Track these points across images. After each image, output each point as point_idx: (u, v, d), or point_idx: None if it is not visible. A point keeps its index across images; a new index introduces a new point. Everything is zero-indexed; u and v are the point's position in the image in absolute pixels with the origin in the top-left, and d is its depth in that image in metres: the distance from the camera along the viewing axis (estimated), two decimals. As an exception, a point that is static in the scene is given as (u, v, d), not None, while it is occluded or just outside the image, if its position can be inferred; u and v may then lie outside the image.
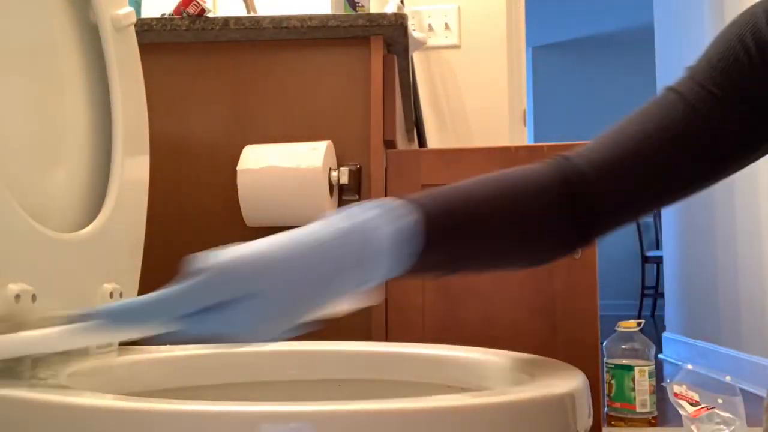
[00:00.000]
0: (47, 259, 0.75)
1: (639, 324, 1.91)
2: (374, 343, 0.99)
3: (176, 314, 0.54)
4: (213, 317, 0.53)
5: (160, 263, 1.31)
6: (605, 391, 1.88)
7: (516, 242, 0.67)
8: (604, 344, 1.87)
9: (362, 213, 0.57)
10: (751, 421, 1.42)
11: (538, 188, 0.67)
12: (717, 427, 1.43)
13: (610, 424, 1.87)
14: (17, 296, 0.68)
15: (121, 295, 0.88)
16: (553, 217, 0.67)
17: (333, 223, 0.56)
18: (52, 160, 0.82)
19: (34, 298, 0.70)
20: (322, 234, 0.55)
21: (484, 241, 0.66)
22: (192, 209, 1.31)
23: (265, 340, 0.54)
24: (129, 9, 0.96)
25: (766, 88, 0.66)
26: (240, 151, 1.26)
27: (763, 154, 0.70)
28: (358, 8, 1.58)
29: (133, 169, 0.95)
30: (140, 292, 1.29)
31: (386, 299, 1.27)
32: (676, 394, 1.51)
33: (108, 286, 0.86)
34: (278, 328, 0.55)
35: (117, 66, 0.92)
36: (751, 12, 0.68)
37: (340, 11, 1.58)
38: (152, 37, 1.32)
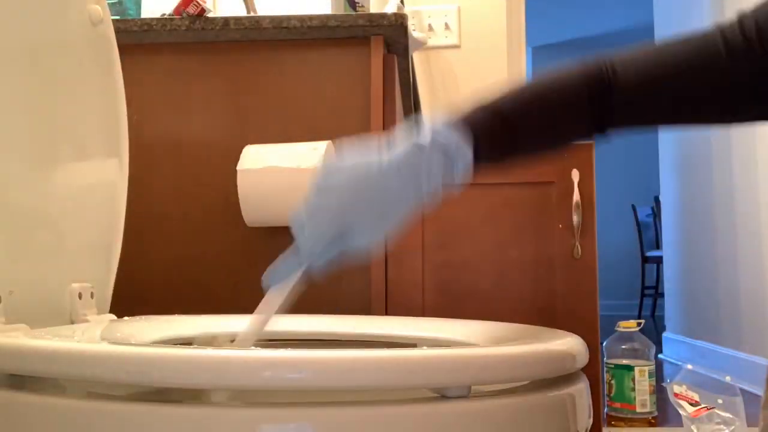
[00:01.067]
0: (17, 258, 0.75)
1: (639, 324, 1.90)
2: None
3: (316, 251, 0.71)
4: (337, 243, 0.69)
5: (161, 262, 1.31)
6: (605, 391, 1.88)
7: (549, 141, 0.77)
8: (604, 344, 1.87)
9: (420, 143, 0.68)
10: (751, 421, 1.42)
11: (570, 93, 0.74)
12: (717, 427, 1.43)
13: (610, 424, 1.87)
14: None
15: (92, 295, 0.88)
16: (581, 117, 0.75)
17: (397, 158, 0.68)
18: (44, 158, 0.82)
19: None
20: (388, 172, 0.68)
21: (522, 148, 0.76)
22: (192, 209, 1.31)
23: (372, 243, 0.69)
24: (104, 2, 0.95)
25: None
26: (240, 151, 1.26)
27: None
28: (358, 8, 1.58)
29: (103, 170, 0.94)
30: (138, 292, 1.29)
31: (386, 299, 1.27)
32: (676, 394, 1.51)
33: (76, 286, 0.86)
34: (378, 235, 0.69)
35: (93, 63, 0.92)
36: None
37: (340, 11, 1.58)
38: (152, 37, 1.32)
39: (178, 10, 1.32)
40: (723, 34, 0.72)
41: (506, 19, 2.35)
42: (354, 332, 0.90)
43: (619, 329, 1.90)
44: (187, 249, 1.31)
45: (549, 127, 0.75)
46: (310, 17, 1.28)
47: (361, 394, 0.51)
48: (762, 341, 2.71)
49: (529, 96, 0.76)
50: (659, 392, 1.88)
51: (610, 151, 6.65)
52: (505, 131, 0.74)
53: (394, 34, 1.30)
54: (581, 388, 0.62)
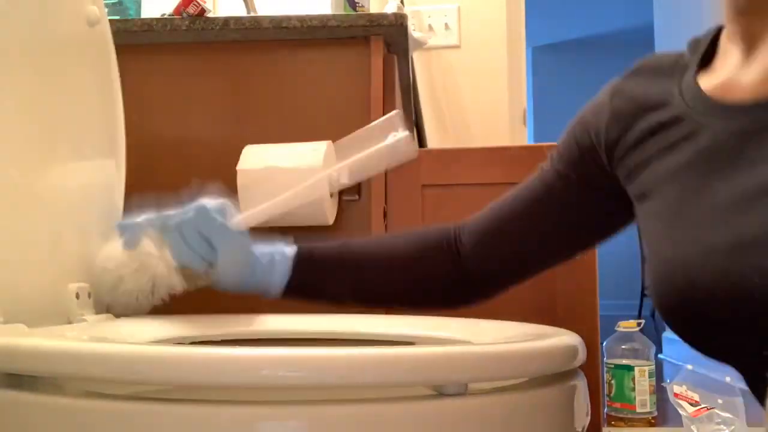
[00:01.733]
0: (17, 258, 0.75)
1: (639, 324, 1.90)
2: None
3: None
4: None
5: (160, 263, 1.31)
6: (605, 391, 1.88)
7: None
8: (604, 344, 1.87)
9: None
10: (751, 421, 1.42)
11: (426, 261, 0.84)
12: (717, 427, 1.43)
13: (610, 424, 1.87)
14: None
15: (89, 295, 0.88)
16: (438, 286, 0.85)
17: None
18: (41, 159, 0.82)
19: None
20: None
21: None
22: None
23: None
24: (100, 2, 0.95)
25: (592, 168, 0.76)
26: (240, 151, 1.26)
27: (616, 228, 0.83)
28: (358, 8, 1.58)
29: (100, 170, 0.94)
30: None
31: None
32: (676, 395, 1.51)
33: (74, 286, 0.86)
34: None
35: (90, 64, 0.92)
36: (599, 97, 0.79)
37: (340, 11, 1.58)
38: (152, 37, 1.32)
39: (178, 10, 1.33)
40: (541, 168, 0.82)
41: (506, 19, 2.35)
42: (353, 331, 0.90)
43: (619, 329, 1.90)
44: (187, 249, 1.30)
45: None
46: (310, 17, 1.28)
47: (359, 391, 0.51)
48: (762, 341, 2.70)
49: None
50: (659, 392, 1.88)
51: (611, 151, 6.65)
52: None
53: (394, 34, 1.30)
54: (579, 386, 0.62)
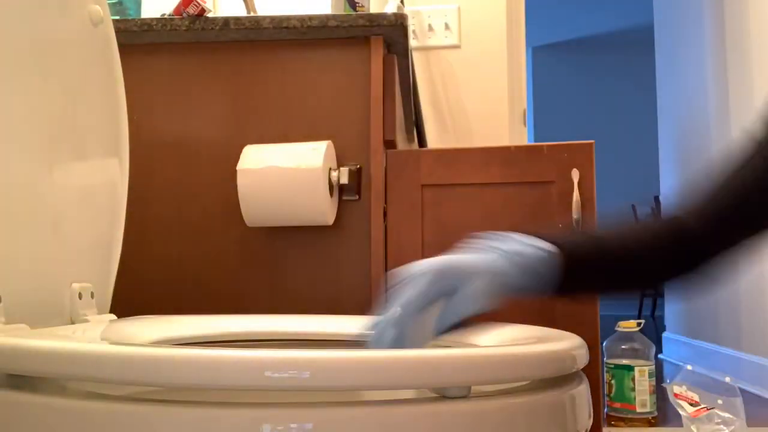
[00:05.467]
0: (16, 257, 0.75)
1: (639, 324, 1.91)
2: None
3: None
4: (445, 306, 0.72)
5: (161, 263, 1.31)
6: (605, 391, 1.88)
7: (634, 282, 0.83)
8: (604, 344, 1.87)
9: (526, 247, 0.75)
10: (751, 421, 1.42)
11: (656, 242, 0.81)
12: (717, 427, 1.43)
13: (610, 424, 1.87)
14: None
15: (92, 295, 0.88)
16: (668, 266, 0.81)
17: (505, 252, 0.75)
18: (45, 158, 0.82)
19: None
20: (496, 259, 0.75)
21: (611, 282, 0.81)
22: (192, 209, 1.31)
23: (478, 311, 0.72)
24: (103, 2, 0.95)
25: None
26: (240, 151, 1.26)
27: None
28: (358, 8, 1.58)
29: (104, 170, 0.94)
30: (139, 292, 1.29)
31: (386, 298, 1.27)
32: (676, 395, 1.51)
33: (76, 286, 0.86)
34: (483, 305, 0.73)
35: (93, 63, 0.92)
36: None
37: (340, 11, 1.58)
38: (152, 37, 1.32)
39: (178, 10, 1.32)
40: (755, 139, 0.78)
41: (506, 19, 2.35)
42: (355, 332, 0.90)
43: (619, 329, 1.90)
44: (187, 249, 1.31)
45: (640, 272, 0.81)
46: (310, 17, 1.28)
47: (362, 394, 0.51)
48: (762, 341, 2.71)
49: (620, 242, 0.81)
50: (659, 392, 1.88)
51: (610, 151, 6.66)
52: (600, 266, 0.79)
53: (394, 34, 1.30)
54: (581, 389, 0.62)
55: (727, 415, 1.43)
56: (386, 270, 1.28)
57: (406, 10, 2.13)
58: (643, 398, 1.83)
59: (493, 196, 1.29)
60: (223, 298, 1.30)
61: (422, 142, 1.98)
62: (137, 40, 1.33)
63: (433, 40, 2.36)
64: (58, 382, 0.56)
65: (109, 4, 1.42)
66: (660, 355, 3.56)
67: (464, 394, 0.52)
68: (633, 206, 5.45)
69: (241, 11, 1.69)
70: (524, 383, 0.59)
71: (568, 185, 1.26)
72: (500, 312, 1.34)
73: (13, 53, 0.76)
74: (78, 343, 0.54)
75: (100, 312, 0.91)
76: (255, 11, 1.69)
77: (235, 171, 1.22)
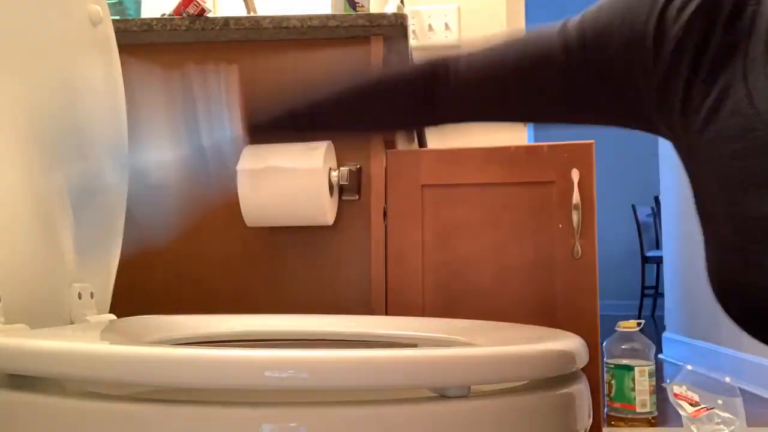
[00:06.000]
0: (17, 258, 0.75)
1: (639, 324, 1.91)
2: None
3: None
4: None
5: (161, 263, 1.31)
6: (605, 391, 1.88)
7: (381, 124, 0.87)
8: (604, 344, 1.87)
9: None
10: (751, 421, 1.42)
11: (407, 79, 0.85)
12: (717, 427, 1.43)
13: (610, 424, 1.87)
14: None
15: (91, 295, 0.88)
16: (410, 104, 0.85)
17: None
18: (44, 158, 0.82)
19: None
20: None
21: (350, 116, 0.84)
22: (192, 209, 1.31)
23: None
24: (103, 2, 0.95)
25: (622, 68, 0.70)
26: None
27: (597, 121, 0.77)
28: (358, 8, 1.58)
29: (102, 171, 0.94)
30: (139, 292, 1.29)
31: (386, 299, 1.27)
32: (676, 395, 1.51)
33: (76, 286, 0.86)
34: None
35: (93, 63, 0.92)
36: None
37: (340, 11, 1.58)
38: (152, 37, 1.32)
39: (178, 10, 1.32)
40: (562, 30, 0.78)
41: (506, 19, 2.35)
42: (354, 332, 0.90)
43: (619, 329, 1.90)
44: (187, 249, 1.31)
45: (386, 112, 0.85)
46: (310, 17, 1.28)
47: (362, 394, 0.51)
48: (762, 341, 2.70)
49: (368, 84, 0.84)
50: (659, 392, 1.88)
51: (610, 151, 6.65)
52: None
53: (394, 34, 1.30)
54: (581, 388, 0.62)
55: (727, 415, 1.43)
56: (386, 270, 1.28)
57: (406, 10, 2.13)
58: (643, 398, 1.83)
59: (493, 196, 1.29)
60: (223, 298, 1.30)
61: (422, 142, 1.98)
62: (137, 40, 1.33)
63: (433, 40, 2.35)
64: (58, 382, 0.56)
65: (109, 4, 1.43)
66: (660, 355, 3.56)
67: (464, 393, 0.52)
68: (633, 207, 5.45)
69: (241, 11, 1.69)
70: (524, 383, 0.59)
71: (568, 185, 1.26)
72: (500, 312, 1.34)
73: (13, 53, 0.76)
74: (78, 343, 0.54)
75: (100, 312, 0.91)
76: (255, 11, 1.69)
77: (235, 171, 1.22)
